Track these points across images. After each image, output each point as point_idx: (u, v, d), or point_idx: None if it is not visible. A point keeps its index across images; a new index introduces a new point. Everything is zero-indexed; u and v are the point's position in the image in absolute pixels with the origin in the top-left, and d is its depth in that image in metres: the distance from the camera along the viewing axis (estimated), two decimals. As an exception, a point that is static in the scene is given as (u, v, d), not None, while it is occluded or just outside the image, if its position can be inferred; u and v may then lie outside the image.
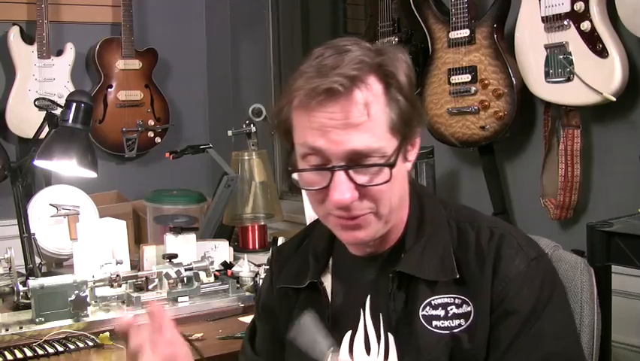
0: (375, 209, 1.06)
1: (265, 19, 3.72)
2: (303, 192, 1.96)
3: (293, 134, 1.07)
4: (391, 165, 1.03)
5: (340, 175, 1.02)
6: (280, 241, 2.03)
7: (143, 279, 1.96)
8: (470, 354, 1.06)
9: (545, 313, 1.05)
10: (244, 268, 2.05)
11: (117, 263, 2.02)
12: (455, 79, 2.33)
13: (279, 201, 2.95)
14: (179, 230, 2.17)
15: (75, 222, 2.25)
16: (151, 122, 3.56)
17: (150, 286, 1.94)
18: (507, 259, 1.08)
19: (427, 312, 1.08)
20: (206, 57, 3.89)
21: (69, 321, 1.76)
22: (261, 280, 1.94)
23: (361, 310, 1.15)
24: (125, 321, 1.10)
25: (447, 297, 1.08)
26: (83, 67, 3.50)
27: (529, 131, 2.36)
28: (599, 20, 1.99)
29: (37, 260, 2.12)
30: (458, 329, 1.07)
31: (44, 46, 3.24)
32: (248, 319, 1.86)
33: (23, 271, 2.06)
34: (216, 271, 2.06)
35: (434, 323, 1.08)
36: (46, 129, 2.08)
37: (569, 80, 2.07)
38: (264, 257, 2.27)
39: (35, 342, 1.66)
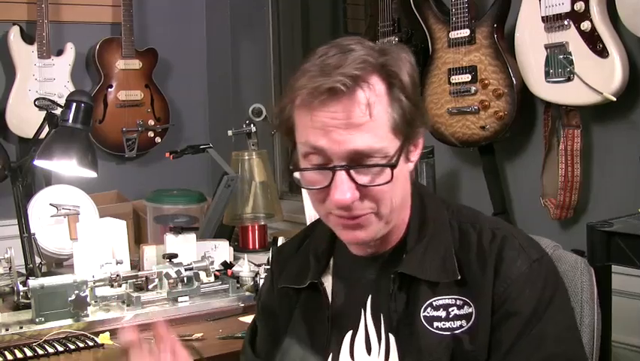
0: (376, 209, 1.06)
1: (265, 19, 3.72)
2: (304, 191, 1.97)
3: (295, 133, 1.07)
4: (393, 166, 1.02)
5: (341, 175, 1.02)
6: (280, 241, 2.03)
7: (143, 279, 1.96)
8: (471, 355, 1.06)
9: (547, 315, 1.05)
10: (244, 268, 2.05)
11: (117, 263, 2.02)
12: (455, 79, 2.33)
13: (279, 201, 2.95)
14: (179, 230, 2.17)
15: (75, 222, 2.25)
16: (151, 122, 3.56)
17: (150, 286, 1.94)
18: (509, 260, 1.08)
19: (428, 313, 1.08)
20: (206, 57, 3.89)
21: (69, 321, 1.76)
22: (261, 280, 1.94)
23: (362, 310, 1.15)
24: (127, 337, 1.09)
25: (448, 298, 1.08)
26: (83, 67, 3.50)
27: (529, 131, 2.36)
28: (599, 20, 1.99)
29: (38, 260, 2.12)
30: (459, 330, 1.07)
31: (44, 46, 3.24)
32: (248, 319, 1.87)
33: (23, 270, 2.06)
34: (216, 271, 2.06)
35: (435, 323, 1.08)
36: (47, 129, 2.08)
37: (569, 79, 2.07)
38: (264, 257, 2.28)
39: (35, 342, 1.66)
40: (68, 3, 3.44)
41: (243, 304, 1.95)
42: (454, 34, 2.32)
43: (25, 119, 3.15)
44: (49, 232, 2.30)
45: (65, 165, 2.01)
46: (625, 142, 2.12)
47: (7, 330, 1.70)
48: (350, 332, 1.15)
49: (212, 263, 2.02)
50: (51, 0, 3.27)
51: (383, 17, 2.55)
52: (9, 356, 1.59)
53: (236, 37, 3.74)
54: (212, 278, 2.02)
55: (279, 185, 3.57)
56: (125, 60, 3.47)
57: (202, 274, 2.01)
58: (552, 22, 2.07)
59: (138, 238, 2.95)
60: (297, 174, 1.09)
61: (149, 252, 2.17)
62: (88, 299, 1.79)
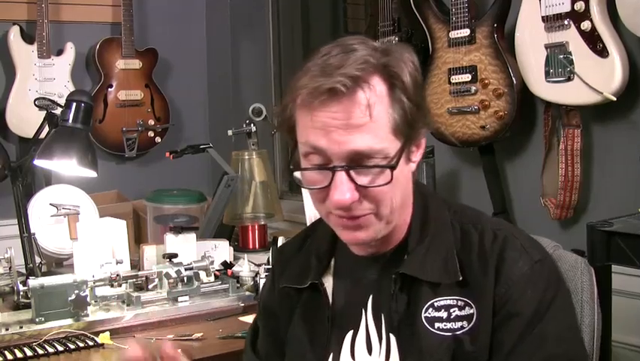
0: (376, 210, 1.06)
1: (265, 19, 3.72)
2: (304, 191, 1.97)
3: (296, 132, 1.07)
4: (393, 167, 1.02)
5: (341, 175, 1.02)
6: (280, 240, 2.03)
7: (143, 279, 1.96)
8: (472, 356, 1.06)
9: (548, 315, 1.05)
10: (244, 267, 2.05)
11: (117, 263, 2.02)
12: (455, 78, 2.33)
13: (279, 200, 2.95)
14: (179, 230, 2.17)
15: (75, 222, 2.25)
16: (151, 122, 3.56)
17: (150, 286, 1.95)
18: (510, 261, 1.07)
19: (429, 314, 1.08)
20: (207, 57, 3.90)
21: (69, 321, 1.76)
22: (261, 280, 1.94)
23: (363, 310, 1.15)
24: (129, 356, 1.08)
25: (450, 299, 1.08)
26: (83, 66, 3.50)
27: (529, 131, 2.36)
28: (599, 20, 1.99)
29: (37, 260, 2.12)
30: (460, 331, 1.07)
31: (44, 45, 3.24)
32: (248, 318, 1.87)
33: (23, 270, 2.06)
34: (216, 270, 2.06)
35: (436, 324, 1.07)
36: (47, 129, 2.08)
37: (569, 79, 2.06)
38: (264, 257, 2.28)
39: (35, 342, 1.67)
40: (68, 3, 3.44)
41: (243, 304, 1.95)
42: (454, 34, 2.32)
43: (25, 119, 3.15)
44: (49, 232, 2.30)
45: (65, 165, 2.01)
46: (625, 142, 2.12)
47: (7, 330, 1.70)
48: (351, 332, 1.15)
49: (212, 263, 2.02)
50: (51, 0, 3.27)
51: (383, 17, 2.55)
52: (9, 356, 1.59)
53: (236, 37, 3.74)
54: (212, 278, 2.02)
55: (279, 185, 3.57)
56: (125, 60, 3.47)
57: (202, 274, 2.01)
58: (552, 21, 2.07)
59: (138, 237, 2.95)
60: (297, 174, 1.09)
61: (149, 252, 2.17)
62: (88, 299, 1.79)
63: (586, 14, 2.00)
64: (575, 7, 2.02)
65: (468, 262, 1.09)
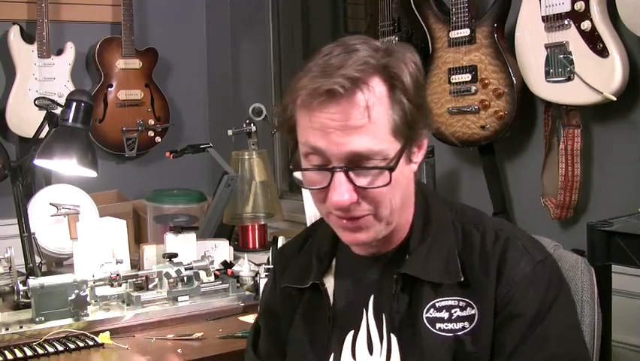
0: (375, 211, 1.06)
1: (265, 19, 3.72)
2: (304, 191, 1.97)
3: (296, 132, 1.07)
4: (391, 169, 1.02)
5: (340, 176, 1.02)
6: (280, 240, 2.03)
7: (143, 278, 1.96)
8: (474, 357, 1.06)
9: (550, 315, 1.05)
10: (244, 267, 2.05)
11: (117, 262, 2.02)
12: (455, 78, 2.33)
13: (279, 200, 2.95)
14: (179, 229, 2.17)
15: (75, 222, 2.25)
16: (151, 122, 3.56)
17: (150, 286, 1.95)
18: (512, 261, 1.07)
19: (430, 314, 1.08)
20: (207, 57, 3.89)
21: (69, 320, 1.76)
22: (261, 280, 1.94)
23: (364, 310, 1.14)
24: None
25: (451, 300, 1.08)
26: (83, 66, 3.50)
27: (529, 131, 2.36)
28: (599, 20, 1.99)
29: (38, 259, 2.12)
30: (462, 332, 1.06)
31: (44, 45, 3.24)
32: (248, 318, 1.87)
33: (23, 270, 2.06)
34: (216, 270, 2.06)
35: (438, 325, 1.07)
36: (47, 129, 2.08)
37: (569, 79, 2.06)
38: (264, 256, 2.27)
39: (35, 341, 1.67)
40: (68, 2, 3.44)
41: (243, 304, 1.95)
42: (454, 34, 2.32)
43: (25, 119, 3.15)
44: (49, 232, 2.30)
45: (65, 165, 2.01)
46: (625, 142, 2.12)
47: (7, 329, 1.70)
48: (352, 332, 1.15)
49: (212, 263, 2.02)
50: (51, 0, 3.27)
51: (383, 17, 2.55)
52: (9, 356, 1.59)
53: (236, 37, 3.74)
54: (212, 278, 2.02)
55: (279, 184, 3.57)
56: (125, 60, 3.47)
57: (202, 274, 2.01)
58: (552, 21, 2.07)
59: (138, 237, 2.95)
60: (297, 174, 1.09)
61: (149, 251, 2.17)
62: (88, 299, 1.79)
63: (586, 14, 2.00)
64: (575, 7, 2.02)
65: (469, 262, 1.09)
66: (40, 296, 1.75)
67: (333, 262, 1.21)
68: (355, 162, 1.02)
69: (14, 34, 3.23)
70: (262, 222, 2.77)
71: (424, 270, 1.09)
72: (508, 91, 2.23)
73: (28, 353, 1.62)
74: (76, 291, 1.77)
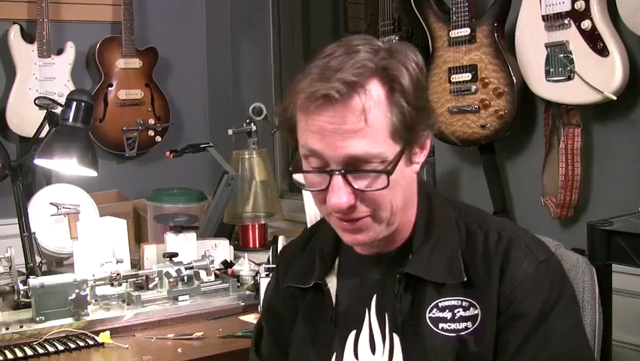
0: (374, 213, 1.05)
1: (265, 18, 3.72)
2: (304, 191, 1.96)
3: (297, 133, 1.07)
4: (389, 173, 1.01)
5: (338, 179, 1.02)
6: (280, 240, 2.03)
7: (144, 278, 1.96)
8: (477, 357, 1.06)
9: (553, 315, 1.05)
10: (244, 266, 2.05)
11: (117, 262, 2.02)
12: (455, 78, 2.33)
13: (279, 200, 2.95)
14: (179, 229, 2.17)
15: (75, 221, 2.25)
16: (151, 121, 3.56)
17: (151, 285, 1.95)
18: (515, 261, 1.07)
19: (433, 314, 1.08)
20: (207, 56, 3.89)
21: (69, 320, 1.76)
22: (261, 279, 1.94)
23: (366, 310, 1.14)
24: None
25: (454, 299, 1.08)
26: (83, 66, 3.50)
27: (529, 130, 2.36)
28: (599, 19, 1.99)
29: (38, 259, 2.13)
30: (465, 332, 1.06)
31: (45, 45, 3.24)
32: (248, 317, 1.88)
33: (24, 270, 2.06)
34: (217, 269, 2.06)
35: (441, 325, 1.07)
36: (47, 128, 2.08)
37: (569, 78, 2.06)
38: (264, 256, 2.27)
39: (36, 341, 1.67)
40: (68, 2, 3.44)
41: (243, 303, 1.95)
42: (454, 33, 2.32)
43: (25, 118, 3.15)
44: (49, 231, 2.30)
45: (65, 164, 2.01)
46: (625, 141, 2.11)
47: (7, 329, 1.70)
48: (354, 332, 1.15)
49: (212, 262, 2.03)
50: (51, -1, 3.27)
51: (383, 16, 2.55)
52: (9, 355, 1.59)
53: (236, 36, 3.74)
54: (212, 277, 2.02)
55: (279, 184, 3.57)
56: (126, 59, 3.47)
57: (202, 273, 2.01)
58: (552, 21, 2.07)
59: (138, 237, 2.95)
60: (296, 176, 1.09)
61: (150, 251, 2.17)
62: (88, 298, 1.79)
63: (586, 13, 2.00)
64: (576, 7, 2.02)
65: (472, 262, 1.09)
66: (41, 296, 1.75)
67: (336, 262, 1.21)
68: (353, 165, 1.02)
69: (14, 34, 3.22)
70: (262, 222, 2.77)
71: (427, 270, 1.09)
72: (508, 90, 2.23)
73: (29, 352, 1.62)
74: (77, 290, 1.77)
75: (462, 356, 1.06)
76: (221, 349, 1.69)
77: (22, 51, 3.24)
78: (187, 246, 2.13)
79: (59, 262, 2.39)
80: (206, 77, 3.90)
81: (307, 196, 2.02)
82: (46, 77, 3.26)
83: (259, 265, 2.09)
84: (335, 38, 1.07)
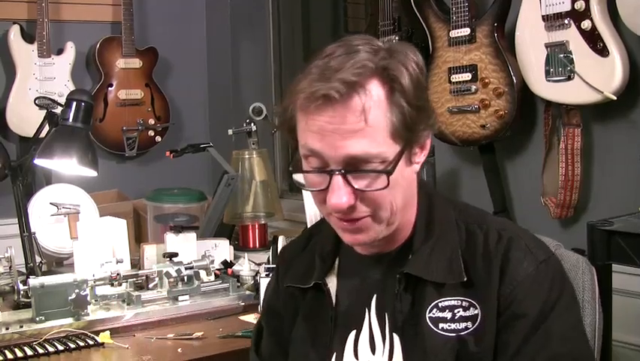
0: (374, 213, 1.05)
1: (265, 18, 3.72)
2: (304, 191, 1.96)
3: (297, 133, 1.07)
4: (389, 173, 1.01)
5: (338, 180, 1.02)
6: (280, 239, 2.03)
7: (144, 278, 1.96)
8: (477, 357, 1.06)
9: (553, 315, 1.05)
10: (244, 266, 2.05)
11: (117, 262, 2.02)
12: (455, 77, 2.33)
13: (279, 200, 2.95)
14: (179, 229, 2.17)
15: (75, 221, 2.25)
16: (151, 121, 3.56)
17: (151, 285, 1.95)
18: (515, 261, 1.07)
19: (433, 314, 1.08)
20: (207, 56, 3.89)
21: (69, 320, 1.76)
22: (261, 279, 1.94)
23: (366, 310, 1.14)
24: None
25: (454, 299, 1.08)
26: (83, 66, 3.50)
27: (529, 130, 2.36)
28: (599, 19, 1.99)
29: (38, 259, 2.13)
30: (465, 332, 1.06)
31: (45, 45, 3.24)
32: (248, 317, 1.88)
33: (24, 269, 2.06)
34: (217, 269, 2.06)
35: (441, 325, 1.07)
36: (47, 128, 2.08)
37: (569, 78, 2.06)
38: (264, 256, 2.28)
39: (36, 341, 1.67)
40: (69, 2, 3.44)
41: (243, 303, 1.95)
42: (454, 33, 2.32)
43: (25, 118, 3.15)
44: (49, 231, 2.30)
45: (65, 164, 2.01)
46: (625, 141, 2.11)
47: (7, 329, 1.70)
48: (354, 332, 1.15)
49: (212, 262, 2.03)
50: (51, -1, 3.27)
51: (383, 16, 2.55)
52: (9, 355, 1.59)
53: (236, 36, 3.74)
54: (212, 277, 2.02)
55: (279, 184, 3.57)
56: (126, 59, 3.47)
57: (202, 273, 2.01)
58: (552, 21, 2.07)
59: (138, 236, 2.95)
60: (296, 176, 1.09)
61: (150, 251, 2.17)
62: (88, 298, 1.79)
63: (586, 13, 2.00)
64: (576, 7, 2.02)
65: (473, 262, 1.09)
66: (41, 296, 1.75)
67: (336, 262, 1.21)
68: (353, 165, 1.02)
69: (14, 34, 3.22)
70: (262, 222, 2.77)
71: (427, 270, 1.09)
72: (508, 90, 2.23)
73: (29, 352, 1.62)
74: (77, 290, 1.77)
75: (462, 356, 1.06)
76: (221, 349, 1.69)
77: (22, 51, 3.24)
78: (187, 246, 2.13)
79: (59, 262, 2.39)
80: (206, 77, 3.90)
81: (307, 196, 2.02)
82: (46, 77, 3.26)
83: (259, 265, 2.09)
84: (335, 38, 1.07)
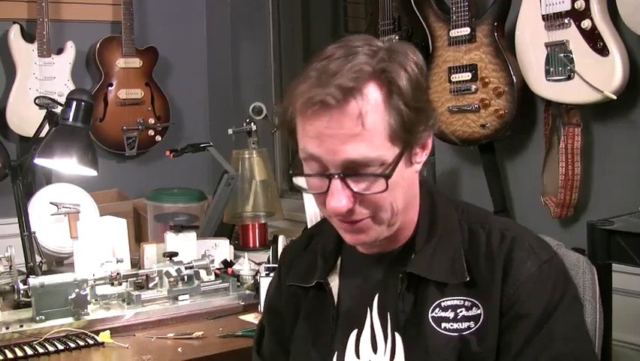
0: (374, 215, 1.05)
1: (265, 18, 3.72)
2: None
3: (297, 136, 1.07)
4: (387, 176, 1.01)
5: (337, 183, 1.02)
6: (281, 239, 2.03)
7: (144, 277, 1.96)
8: (479, 357, 1.05)
9: (556, 315, 1.04)
10: (244, 266, 2.05)
11: (118, 261, 2.02)
12: (455, 77, 2.33)
13: (279, 199, 2.95)
14: (179, 228, 2.17)
15: (75, 221, 2.25)
16: (151, 121, 3.56)
17: (151, 285, 1.95)
18: (518, 261, 1.07)
19: (436, 314, 1.08)
20: (207, 56, 3.89)
21: (69, 319, 1.76)
22: (261, 279, 1.94)
23: (368, 309, 1.14)
24: None
25: (457, 299, 1.08)
26: (83, 65, 3.50)
27: (529, 130, 2.36)
28: (599, 18, 1.99)
29: (38, 258, 2.12)
30: (467, 332, 1.06)
31: (45, 44, 3.24)
32: (248, 317, 1.88)
33: (24, 269, 2.06)
34: (217, 269, 2.06)
35: (443, 324, 1.07)
36: (47, 128, 2.08)
37: (569, 78, 2.06)
38: (264, 255, 2.28)
39: (36, 340, 1.67)
40: (69, 2, 3.44)
41: (243, 303, 1.95)
42: (454, 33, 2.32)
43: (25, 118, 3.15)
44: (49, 231, 2.30)
45: (66, 164, 2.01)
46: (625, 140, 2.11)
47: (7, 328, 1.70)
48: (355, 331, 1.15)
49: (212, 262, 2.03)
50: (51, -2, 3.27)
51: (383, 16, 2.55)
52: (9, 355, 1.59)
53: (236, 36, 3.74)
54: (212, 277, 2.02)
55: (279, 183, 3.57)
56: (126, 59, 3.47)
57: (202, 273, 2.01)
58: (552, 20, 2.07)
59: (138, 236, 2.95)
60: (296, 180, 1.09)
61: (150, 250, 2.17)
62: (88, 298, 1.79)
63: (586, 13, 2.00)
64: (576, 6, 2.02)
65: (475, 262, 1.09)
66: (41, 295, 1.75)
67: (338, 261, 1.21)
68: (352, 169, 1.01)
69: (14, 34, 3.22)
70: (262, 221, 2.77)
71: (429, 269, 1.09)
72: (508, 90, 2.23)
73: (29, 352, 1.62)
74: (77, 290, 1.77)
75: (464, 355, 1.06)
76: (221, 348, 1.69)
77: (22, 51, 3.24)
78: (187, 245, 2.13)
79: (59, 262, 2.40)
80: (206, 77, 3.90)
81: (307, 196, 2.02)
82: (46, 77, 3.26)
83: (259, 264, 2.09)
84: (335, 38, 1.06)
